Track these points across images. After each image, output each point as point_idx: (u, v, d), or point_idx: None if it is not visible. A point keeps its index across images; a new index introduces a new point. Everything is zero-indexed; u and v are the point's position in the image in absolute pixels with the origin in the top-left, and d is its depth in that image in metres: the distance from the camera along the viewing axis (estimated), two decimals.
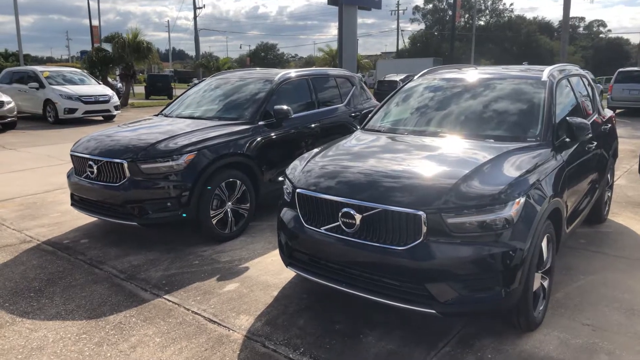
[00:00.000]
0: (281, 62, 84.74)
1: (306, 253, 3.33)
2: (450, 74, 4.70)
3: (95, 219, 5.28)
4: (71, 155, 5.04)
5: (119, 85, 27.71)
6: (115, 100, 16.55)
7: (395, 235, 2.87)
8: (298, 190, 3.31)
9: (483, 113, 3.99)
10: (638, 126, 7.79)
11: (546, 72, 4.20)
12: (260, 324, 3.32)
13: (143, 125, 5.46)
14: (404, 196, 2.90)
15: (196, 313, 3.48)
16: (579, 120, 3.71)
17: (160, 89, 32.63)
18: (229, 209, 4.87)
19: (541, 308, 3.23)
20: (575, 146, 3.83)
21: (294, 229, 3.32)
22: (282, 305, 3.58)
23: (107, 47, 24.03)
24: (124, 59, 22.79)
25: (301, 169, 3.51)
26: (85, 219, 5.48)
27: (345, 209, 3.01)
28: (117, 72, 27.46)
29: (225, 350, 3.02)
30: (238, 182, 4.91)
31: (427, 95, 4.45)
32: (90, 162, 4.71)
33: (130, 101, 24.36)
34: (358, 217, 2.95)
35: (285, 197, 3.56)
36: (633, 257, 4.47)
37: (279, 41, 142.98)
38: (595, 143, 4.37)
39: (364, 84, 7.25)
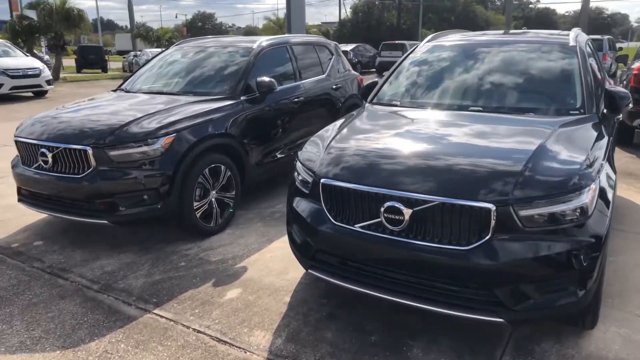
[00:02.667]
0: (220, 32, 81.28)
1: (335, 255, 2.79)
2: (465, 39, 4.19)
3: (46, 215, 4.44)
4: (16, 142, 4.15)
5: (46, 57, 25.30)
6: (47, 74, 14.94)
7: (454, 233, 2.39)
8: (323, 180, 2.73)
9: (516, 84, 3.54)
10: None
11: (572, 36, 3.82)
12: (281, 341, 2.77)
13: (104, 103, 4.60)
14: (466, 186, 2.41)
15: (199, 331, 2.88)
16: (619, 89, 3.37)
17: (92, 61, 30.38)
18: (213, 199, 4.21)
19: None
20: (611, 118, 3.49)
21: (318, 226, 2.76)
22: (301, 315, 3.04)
23: (31, 14, 21.69)
24: (52, 28, 20.68)
25: (323, 155, 2.92)
26: (34, 214, 4.61)
27: (389, 203, 2.48)
28: (44, 43, 25.07)
29: None
30: (222, 167, 4.24)
31: (446, 64, 3.93)
32: (44, 150, 3.86)
33: (61, 75, 22.30)
34: (407, 212, 2.44)
35: (300, 186, 2.97)
36: None
37: (216, 10, 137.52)
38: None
39: (341, 52, 6.66)
